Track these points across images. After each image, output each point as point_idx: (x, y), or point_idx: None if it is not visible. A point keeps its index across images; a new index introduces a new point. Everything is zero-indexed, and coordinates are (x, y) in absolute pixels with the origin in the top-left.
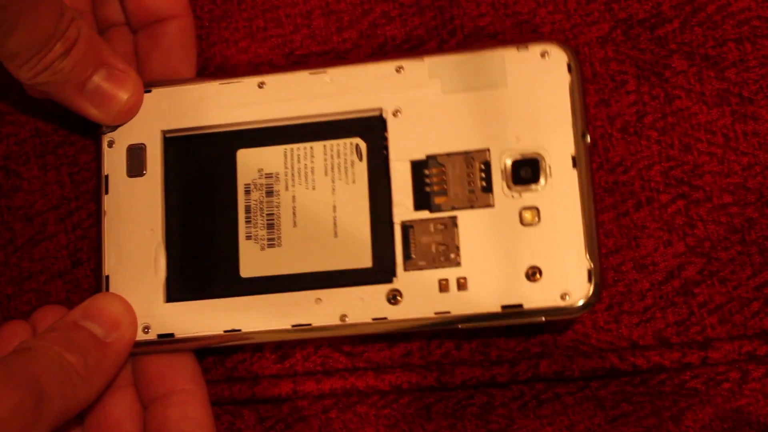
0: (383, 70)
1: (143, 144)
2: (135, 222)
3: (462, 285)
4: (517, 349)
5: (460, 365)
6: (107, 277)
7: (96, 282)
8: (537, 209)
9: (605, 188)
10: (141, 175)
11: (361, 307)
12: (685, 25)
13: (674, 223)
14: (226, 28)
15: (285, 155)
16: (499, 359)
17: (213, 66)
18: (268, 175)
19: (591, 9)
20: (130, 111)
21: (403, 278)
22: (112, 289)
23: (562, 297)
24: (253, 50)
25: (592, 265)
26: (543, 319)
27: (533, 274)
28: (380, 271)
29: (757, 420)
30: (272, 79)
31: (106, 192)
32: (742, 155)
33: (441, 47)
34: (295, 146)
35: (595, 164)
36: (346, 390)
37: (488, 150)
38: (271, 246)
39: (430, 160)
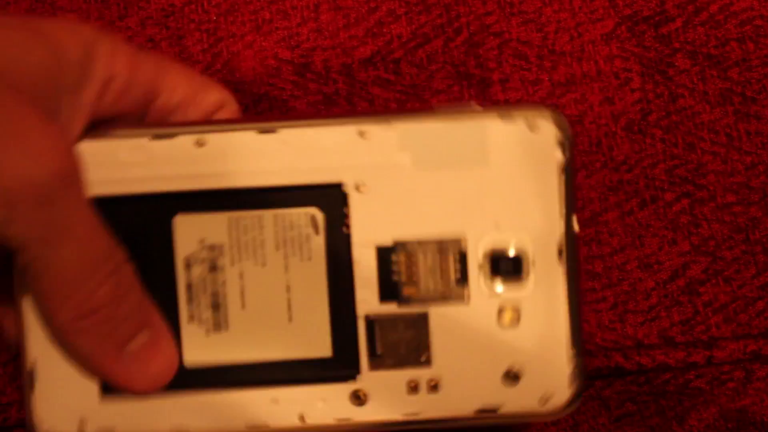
0: (344, 133)
1: None
2: None
3: (433, 387)
4: None
5: None
6: (34, 363)
7: (20, 371)
8: (517, 306)
9: (609, 187)
10: None
11: (322, 407)
12: (688, 24)
13: (679, 222)
14: (233, 22)
15: (230, 224)
16: None
17: (220, 62)
18: (211, 247)
19: (596, 6)
20: (162, 382)
21: (368, 377)
22: (38, 381)
23: (542, 401)
24: (258, 44)
25: (576, 366)
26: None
27: (512, 376)
28: (342, 365)
29: (761, 419)
30: (214, 138)
31: None
32: (746, 155)
33: (447, 45)
34: (241, 214)
35: (599, 163)
36: None
37: (464, 239)
38: (217, 330)
39: (399, 247)
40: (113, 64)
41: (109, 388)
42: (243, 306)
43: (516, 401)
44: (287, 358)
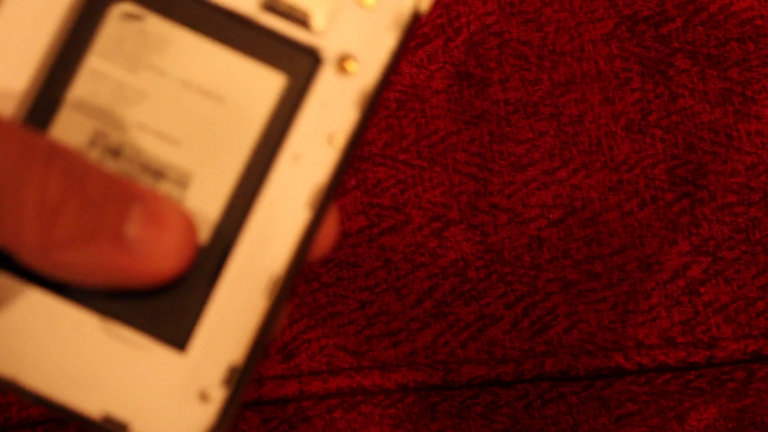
0: None
1: None
2: None
3: None
4: (522, 347)
5: (466, 364)
6: None
7: None
8: None
9: (609, 187)
10: None
11: None
12: (688, 24)
13: (679, 222)
14: None
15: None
16: (505, 358)
17: None
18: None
19: (596, 6)
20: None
21: None
22: None
23: None
24: None
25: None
26: None
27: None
28: None
29: (761, 420)
30: None
31: None
32: (746, 155)
33: (447, 45)
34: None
35: (599, 163)
36: (352, 389)
37: None
38: None
39: None
40: None
41: None
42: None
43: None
44: None
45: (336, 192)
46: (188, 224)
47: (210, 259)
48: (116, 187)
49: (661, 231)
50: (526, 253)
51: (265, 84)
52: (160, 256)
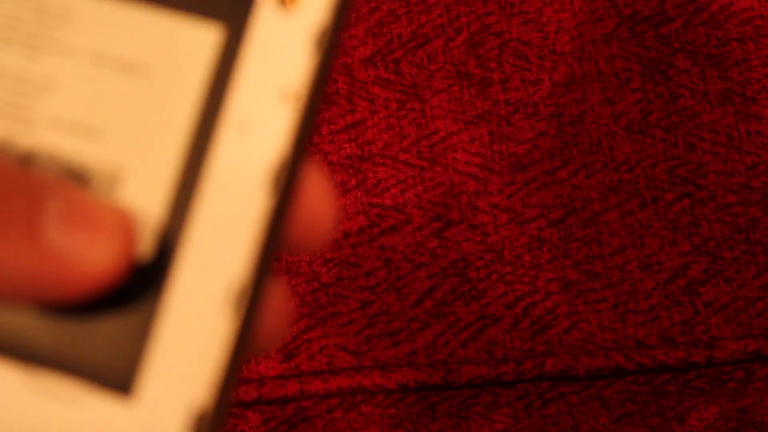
0: None
1: None
2: None
3: None
4: (522, 347)
5: (466, 364)
6: None
7: None
8: None
9: (610, 187)
10: None
11: None
12: (688, 24)
13: (679, 222)
14: None
15: None
16: (505, 358)
17: None
18: None
19: (596, 6)
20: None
21: None
22: None
23: None
24: None
25: None
26: None
27: None
28: None
29: (761, 419)
30: None
31: None
32: (746, 155)
33: (447, 45)
34: None
35: (600, 163)
36: (352, 389)
37: None
38: None
39: None
40: None
41: None
42: None
43: None
44: None
45: (303, 165)
46: (121, 219)
47: (153, 271)
48: (24, 181)
49: (661, 231)
50: (526, 253)
51: (193, 42)
52: (88, 260)
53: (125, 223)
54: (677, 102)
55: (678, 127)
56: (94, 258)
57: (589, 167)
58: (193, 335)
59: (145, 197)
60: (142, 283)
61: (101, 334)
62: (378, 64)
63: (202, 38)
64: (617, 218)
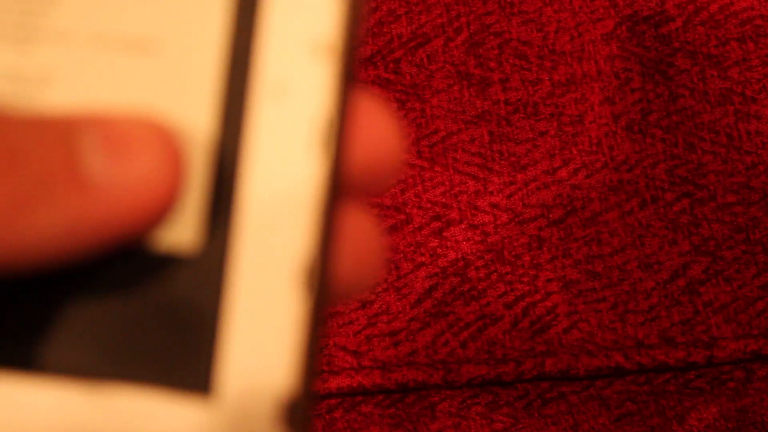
0: None
1: None
2: None
3: None
4: (522, 347)
5: (466, 363)
6: None
7: None
8: None
9: (609, 187)
10: None
11: None
12: (688, 24)
13: (679, 222)
14: None
15: None
16: (505, 358)
17: None
18: None
19: (596, 6)
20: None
21: None
22: None
23: None
24: None
25: None
26: None
27: None
28: None
29: (761, 419)
30: None
31: None
32: (746, 154)
33: (447, 45)
34: None
35: (600, 163)
36: (352, 389)
37: None
38: None
39: None
40: None
41: None
42: None
43: None
44: None
45: (349, 121)
46: (165, 138)
47: (211, 259)
48: (49, 125)
49: (661, 231)
50: (526, 252)
51: (204, 3)
52: (140, 186)
53: (166, 140)
54: (677, 102)
55: (678, 127)
56: (146, 182)
57: (589, 167)
58: (266, 317)
59: (186, 185)
60: (201, 274)
61: (166, 333)
62: (378, 63)
63: None
64: (617, 218)
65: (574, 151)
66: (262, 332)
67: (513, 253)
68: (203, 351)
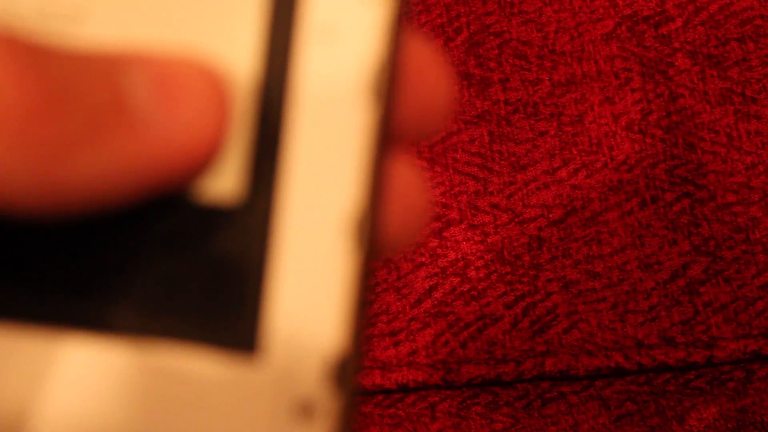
0: None
1: None
2: None
3: None
4: (522, 347)
5: (466, 364)
6: None
7: None
8: None
9: (609, 187)
10: None
11: None
12: (688, 24)
13: (679, 222)
14: None
15: None
16: (505, 358)
17: None
18: None
19: (596, 6)
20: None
21: None
22: None
23: None
24: None
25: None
26: None
27: None
28: None
29: (761, 419)
30: None
31: None
32: (746, 154)
33: (447, 45)
34: None
35: (600, 163)
36: None
37: None
38: None
39: None
40: None
41: None
42: None
43: None
44: None
45: (402, 66)
46: (213, 81)
47: (255, 212)
48: (97, 61)
49: (661, 231)
50: (526, 253)
51: None
52: (189, 129)
53: (217, 83)
54: (677, 102)
55: (678, 127)
56: (195, 125)
57: (589, 167)
58: (314, 272)
59: (232, 133)
60: (246, 227)
61: (210, 289)
62: None
63: None
64: (617, 218)
65: (574, 151)
66: (310, 287)
67: (513, 253)
68: (249, 308)
